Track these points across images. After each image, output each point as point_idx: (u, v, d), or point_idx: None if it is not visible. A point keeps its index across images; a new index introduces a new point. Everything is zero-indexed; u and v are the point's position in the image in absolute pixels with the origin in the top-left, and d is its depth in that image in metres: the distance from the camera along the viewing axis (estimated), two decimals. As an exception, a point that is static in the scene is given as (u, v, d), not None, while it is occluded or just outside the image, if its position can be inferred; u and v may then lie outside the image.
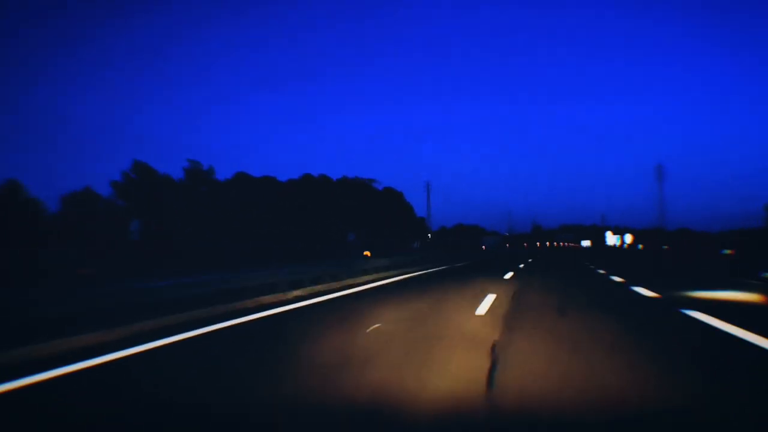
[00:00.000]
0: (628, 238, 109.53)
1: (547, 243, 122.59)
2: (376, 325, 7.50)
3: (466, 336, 6.59)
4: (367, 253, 47.50)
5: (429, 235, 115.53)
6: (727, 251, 42.76)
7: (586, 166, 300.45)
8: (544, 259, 41.06)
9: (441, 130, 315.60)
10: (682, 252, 51.74)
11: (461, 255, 43.24)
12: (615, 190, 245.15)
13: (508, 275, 19.25)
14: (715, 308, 8.88)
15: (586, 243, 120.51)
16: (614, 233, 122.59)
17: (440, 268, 26.51)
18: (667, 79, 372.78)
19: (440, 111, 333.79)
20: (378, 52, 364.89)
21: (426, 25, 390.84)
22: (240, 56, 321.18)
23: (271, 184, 55.20)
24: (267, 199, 52.36)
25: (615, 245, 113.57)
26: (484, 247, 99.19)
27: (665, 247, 71.63)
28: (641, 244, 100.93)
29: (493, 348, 5.74)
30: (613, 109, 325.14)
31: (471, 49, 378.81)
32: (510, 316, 8.34)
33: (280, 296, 11.65)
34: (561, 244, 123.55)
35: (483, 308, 9.26)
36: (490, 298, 10.72)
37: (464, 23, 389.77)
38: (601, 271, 21.87)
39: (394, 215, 66.90)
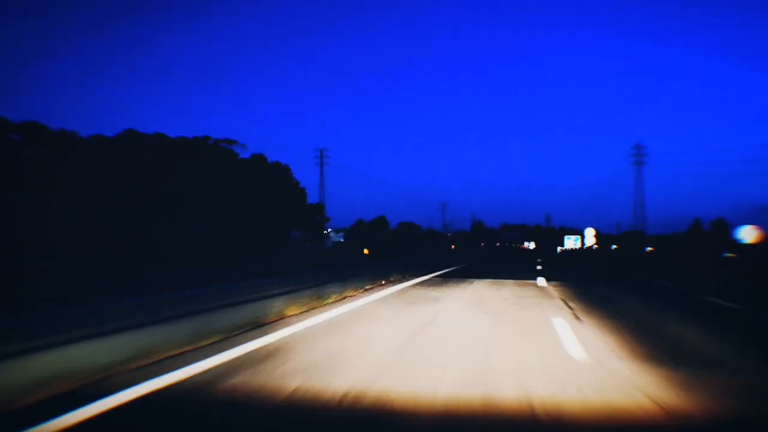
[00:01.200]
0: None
1: (497, 243, 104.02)
2: None
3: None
4: None
5: (356, 232, 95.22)
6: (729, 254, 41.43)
7: (531, 163, 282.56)
8: None
9: (378, 116, 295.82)
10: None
11: None
12: (560, 191, 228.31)
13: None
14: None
15: (530, 244, 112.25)
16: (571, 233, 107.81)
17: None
18: (622, 71, 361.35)
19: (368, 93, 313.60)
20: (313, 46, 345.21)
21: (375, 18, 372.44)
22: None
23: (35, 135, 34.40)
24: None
25: (575, 248, 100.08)
26: None
27: (650, 249, 63.00)
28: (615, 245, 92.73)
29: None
30: (559, 108, 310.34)
31: (407, 27, 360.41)
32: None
33: None
34: (521, 245, 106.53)
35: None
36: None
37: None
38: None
39: (269, 197, 47.02)
